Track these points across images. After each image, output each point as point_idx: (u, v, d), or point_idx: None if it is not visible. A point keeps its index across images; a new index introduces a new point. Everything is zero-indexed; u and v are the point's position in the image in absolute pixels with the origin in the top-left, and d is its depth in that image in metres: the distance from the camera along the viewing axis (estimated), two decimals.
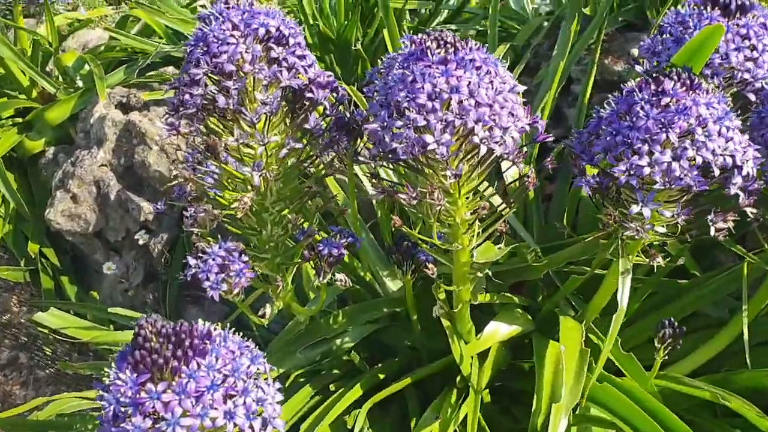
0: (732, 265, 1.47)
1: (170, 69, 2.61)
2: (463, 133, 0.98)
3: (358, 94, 1.95)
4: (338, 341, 1.49)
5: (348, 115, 1.14)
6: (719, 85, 1.28)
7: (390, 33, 2.17)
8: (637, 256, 1.16)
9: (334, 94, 1.13)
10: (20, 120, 2.65)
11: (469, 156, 1.00)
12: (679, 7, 1.36)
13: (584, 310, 1.38)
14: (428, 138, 0.96)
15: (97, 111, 2.36)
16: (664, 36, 1.35)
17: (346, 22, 2.49)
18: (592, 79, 1.89)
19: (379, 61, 2.17)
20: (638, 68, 1.33)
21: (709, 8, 1.31)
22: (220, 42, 1.01)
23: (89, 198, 2.25)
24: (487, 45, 1.09)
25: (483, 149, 0.96)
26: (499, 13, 2.81)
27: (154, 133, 2.22)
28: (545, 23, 2.30)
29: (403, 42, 1.41)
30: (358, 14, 2.44)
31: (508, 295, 1.37)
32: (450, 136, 0.96)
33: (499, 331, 1.35)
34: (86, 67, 2.66)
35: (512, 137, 0.98)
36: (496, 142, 0.97)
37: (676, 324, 1.26)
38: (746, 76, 1.26)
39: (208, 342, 0.94)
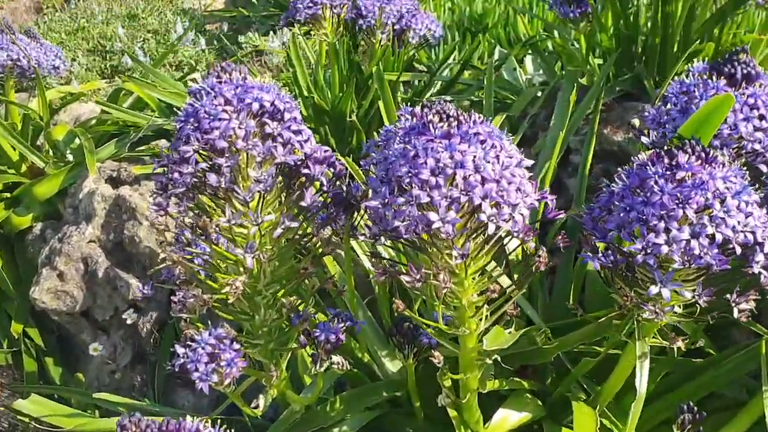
0: (748, 342, 1.40)
1: (162, 142, 2.57)
2: (468, 210, 0.92)
3: (354, 167, 1.91)
4: (336, 431, 1.40)
5: (345, 190, 1.09)
6: (729, 156, 1.24)
7: (385, 105, 2.15)
8: (653, 337, 1.10)
9: (331, 170, 1.08)
10: (8, 195, 2.59)
11: (475, 234, 0.94)
12: (683, 77, 1.33)
13: (597, 394, 1.30)
14: (432, 216, 0.90)
15: (87, 186, 2.31)
16: (669, 106, 1.32)
17: (340, 94, 2.47)
18: (592, 149, 1.85)
19: (375, 134, 2.14)
20: (644, 140, 1.29)
21: (714, 78, 1.28)
22: (211, 117, 0.96)
23: (76, 275, 2.17)
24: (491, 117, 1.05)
25: (491, 227, 0.90)
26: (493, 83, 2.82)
27: (145, 208, 2.17)
28: (540, 93, 2.29)
29: (402, 114, 1.38)
30: (352, 86, 2.43)
31: (517, 380, 1.29)
32: (455, 213, 0.91)
33: (508, 419, 1.27)
34: (77, 141, 2.63)
35: (521, 214, 0.92)
36: (505, 220, 0.91)
37: (695, 408, 1.19)
38: (756, 146, 1.22)
39: None
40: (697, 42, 1.99)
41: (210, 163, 0.95)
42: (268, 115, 0.99)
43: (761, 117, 1.24)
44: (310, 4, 2.37)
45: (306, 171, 1.01)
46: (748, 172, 1.23)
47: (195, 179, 0.95)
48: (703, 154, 0.97)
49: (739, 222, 0.94)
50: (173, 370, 1.02)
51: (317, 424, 1.37)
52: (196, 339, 1.02)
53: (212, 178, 0.94)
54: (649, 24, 2.02)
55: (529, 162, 0.98)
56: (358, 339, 1.60)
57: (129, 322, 2.01)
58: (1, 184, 2.59)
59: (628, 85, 2.08)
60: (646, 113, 1.35)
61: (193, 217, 0.97)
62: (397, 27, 2.60)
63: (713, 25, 1.93)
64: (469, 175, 0.91)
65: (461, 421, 1.20)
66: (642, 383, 1.07)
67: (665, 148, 0.99)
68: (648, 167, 0.99)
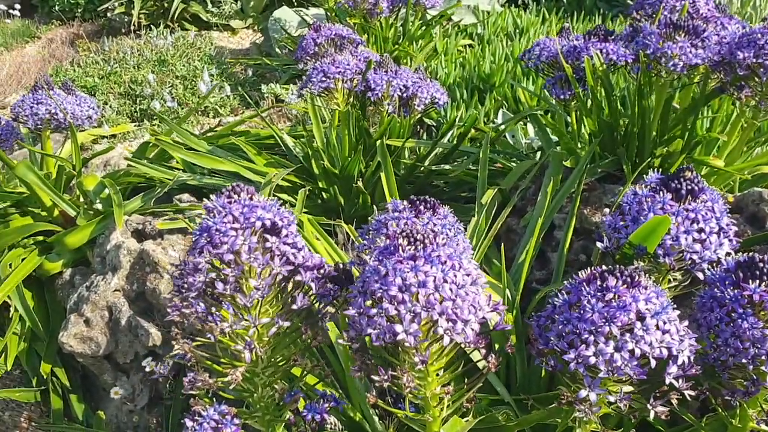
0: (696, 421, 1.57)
1: (185, 196, 2.80)
2: (428, 323, 1.12)
3: (354, 232, 2.12)
4: None
5: (332, 289, 1.28)
6: (670, 264, 1.42)
7: (386, 175, 2.36)
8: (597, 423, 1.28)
9: (322, 271, 1.27)
10: (42, 239, 2.83)
11: (435, 342, 1.14)
12: (636, 187, 1.52)
13: None
14: (398, 328, 1.09)
15: (114, 238, 2.53)
16: (624, 215, 1.50)
17: (349, 159, 2.68)
18: (572, 228, 2.04)
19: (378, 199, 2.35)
20: (599, 244, 1.48)
21: (662, 193, 1.46)
22: (221, 234, 1.16)
23: (101, 322, 2.38)
24: (457, 237, 1.25)
25: (446, 339, 1.10)
26: (495, 146, 3.02)
27: (166, 262, 2.38)
28: (533, 166, 2.47)
29: (390, 207, 1.59)
30: (360, 152, 2.63)
31: None
32: (417, 325, 1.10)
33: None
34: (106, 191, 2.85)
35: (472, 328, 1.11)
36: (458, 333, 1.10)
37: None
38: (694, 257, 1.40)
39: None
40: (673, 129, 2.18)
41: (218, 273, 1.16)
42: (268, 230, 1.19)
43: (700, 230, 1.42)
44: (324, 78, 2.59)
45: (298, 278, 1.21)
46: (687, 279, 1.43)
47: (205, 285, 1.16)
48: (629, 279, 1.16)
49: (656, 339, 1.12)
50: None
51: None
52: (202, 414, 1.22)
53: (220, 285, 1.15)
54: (628, 112, 2.20)
55: (484, 280, 1.17)
56: (351, 397, 1.78)
57: (147, 369, 2.22)
58: (36, 230, 2.82)
59: (610, 166, 2.27)
60: (605, 218, 1.54)
61: (199, 322, 1.17)
62: (404, 95, 2.81)
63: (686, 116, 2.12)
64: (430, 294, 1.10)
65: None
66: None
67: (599, 271, 1.18)
68: (584, 287, 1.18)
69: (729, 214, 1.79)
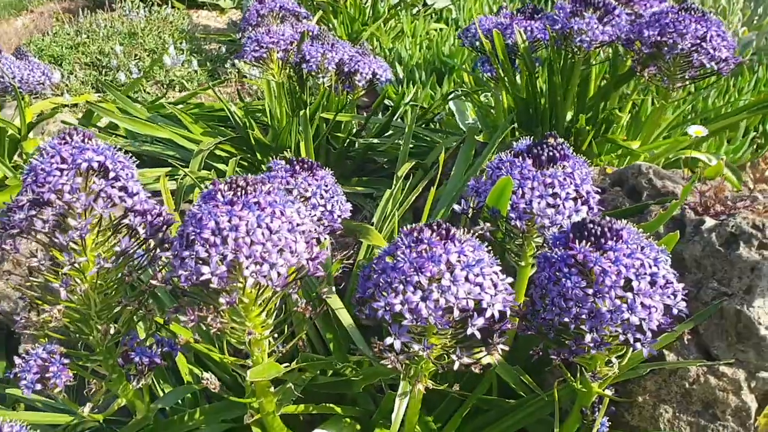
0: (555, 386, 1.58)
1: None
2: (239, 267, 1.13)
3: None
4: None
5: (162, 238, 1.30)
6: (521, 227, 1.43)
7: (305, 146, 2.37)
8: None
9: (160, 218, 1.28)
10: None
11: (245, 286, 1.15)
12: (501, 153, 1.52)
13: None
14: (204, 269, 1.11)
15: None
16: (487, 178, 1.51)
17: (282, 129, 2.69)
18: None
19: None
20: (456, 207, 1.49)
21: (522, 158, 1.47)
22: (46, 173, 1.18)
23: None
24: None
25: (250, 281, 1.11)
26: (439, 126, 3.03)
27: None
28: (454, 143, 2.48)
29: (272, 165, 1.60)
30: (293, 123, 2.64)
31: (330, 405, 1.49)
32: (225, 268, 1.11)
33: None
34: None
35: (278, 273, 1.12)
36: (264, 276, 1.11)
37: None
38: (545, 221, 1.41)
39: None
40: (591, 109, 2.18)
41: (38, 210, 1.17)
42: (97, 173, 1.21)
43: (554, 195, 1.43)
44: (257, 48, 2.60)
45: (125, 221, 1.23)
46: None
47: (27, 223, 1.17)
48: (443, 232, 1.16)
49: (464, 290, 1.13)
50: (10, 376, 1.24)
51: (171, 431, 1.58)
52: (29, 352, 1.24)
53: (38, 223, 1.17)
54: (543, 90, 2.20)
55: (307, 227, 1.18)
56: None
57: None
58: None
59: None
60: (469, 182, 1.54)
61: (11, 258, 1.19)
62: (346, 69, 2.81)
63: (600, 96, 2.11)
64: (240, 238, 1.11)
65: None
66: (398, 415, 1.26)
67: (416, 225, 1.18)
68: (402, 238, 1.18)
69: (612, 188, 1.80)
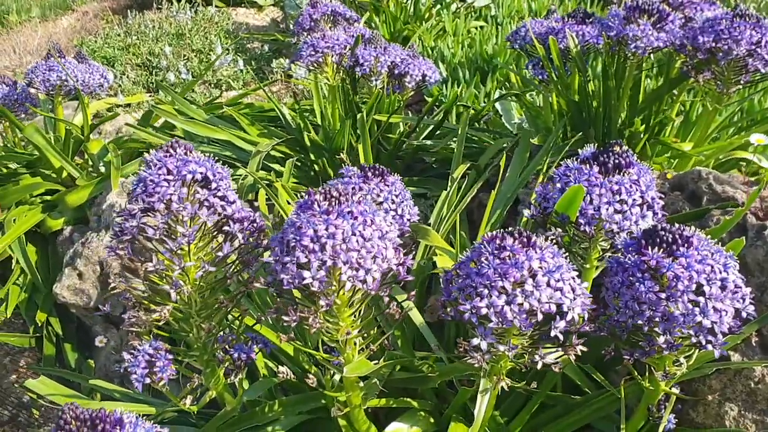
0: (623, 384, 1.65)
1: None
2: (338, 271, 1.22)
3: None
4: (269, 429, 1.70)
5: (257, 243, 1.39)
6: (590, 233, 1.50)
7: (363, 148, 2.45)
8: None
9: (254, 225, 1.38)
10: (48, 198, 2.99)
11: (342, 289, 1.24)
12: (568, 161, 1.59)
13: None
14: (306, 273, 1.20)
15: (109, 198, 2.68)
16: (554, 185, 1.58)
17: (337, 131, 2.78)
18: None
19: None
20: (526, 212, 1.56)
21: (589, 165, 1.54)
22: (154, 184, 1.28)
23: (93, 276, 2.53)
24: None
25: (348, 285, 1.20)
26: (487, 126, 3.10)
27: (153, 222, 2.51)
28: (506, 145, 2.54)
29: (344, 172, 1.69)
30: (347, 125, 2.72)
31: (407, 399, 1.58)
32: (325, 273, 1.20)
33: (400, 431, 1.55)
34: (109, 154, 3.00)
35: (373, 277, 1.21)
36: (361, 280, 1.20)
37: None
38: (614, 227, 1.48)
39: (119, 427, 1.18)
40: (643, 112, 2.24)
41: (152, 218, 1.27)
42: (200, 183, 1.30)
43: (622, 202, 1.50)
44: (313, 52, 2.69)
45: (226, 228, 1.32)
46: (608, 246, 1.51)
47: (138, 231, 1.27)
48: (525, 239, 1.24)
49: (546, 295, 1.21)
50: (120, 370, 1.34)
51: (253, 421, 1.68)
52: (138, 348, 1.34)
53: (150, 231, 1.26)
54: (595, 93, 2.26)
55: (395, 234, 1.27)
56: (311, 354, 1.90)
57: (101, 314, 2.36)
58: (43, 189, 2.99)
59: (578, 146, 2.32)
60: (538, 189, 1.62)
61: (126, 260, 1.29)
62: (396, 72, 2.89)
63: (653, 100, 2.17)
64: (337, 245, 1.20)
65: (351, 429, 1.49)
66: (480, 411, 1.34)
67: (497, 233, 1.26)
68: (485, 245, 1.26)
69: (672, 192, 1.87)
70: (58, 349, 2.64)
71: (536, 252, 1.23)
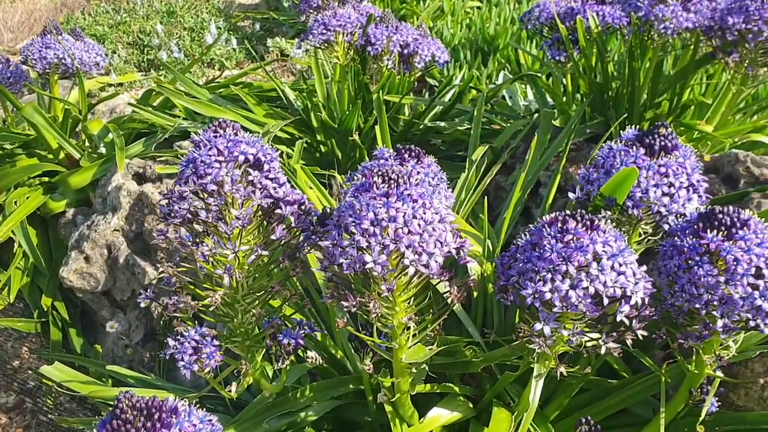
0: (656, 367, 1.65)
1: (185, 143, 2.86)
2: (397, 256, 1.19)
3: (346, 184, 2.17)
4: (303, 414, 1.67)
5: (311, 223, 1.35)
6: (638, 215, 1.48)
7: (381, 128, 2.41)
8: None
9: (303, 207, 1.34)
10: (47, 180, 2.91)
11: (402, 273, 1.20)
12: (611, 142, 1.57)
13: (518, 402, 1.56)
14: (367, 257, 1.16)
15: (115, 180, 2.61)
16: (598, 167, 1.56)
17: (347, 112, 2.73)
18: (556, 185, 2.09)
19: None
20: (571, 195, 1.54)
21: (635, 148, 1.52)
22: (205, 165, 1.23)
23: (100, 259, 2.47)
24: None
25: (411, 270, 1.17)
26: (494, 108, 3.07)
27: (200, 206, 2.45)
28: (522, 127, 2.52)
29: (377, 155, 1.65)
30: (358, 106, 2.68)
31: (450, 385, 1.56)
32: (386, 257, 1.17)
33: (440, 416, 1.53)
34: (110, 135, 2.92)
35: (436, 261, 1.18)
36: (423, 265, 1.17)
37: (593, 422, 1.44)
38: (662, 210, 1.46)
39: (174, 416, 1.14)
40: (664, 93, 2.22)
41: (203, 201, 1.22)
42: (251, 165, 1.26)
43: (670, 184, 1.48)
44: (324, 31, 2.63)
45: (279, 211, 1.28)
46: (659, 233, 1.49)
47: (189, 213, 1.23)
48: (588, 223, 1.22)
49: (611, 279, 1.19)
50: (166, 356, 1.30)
51: (287, 407, 1.65)
52: (184, 334, 1.30)
53: (203, 213, 1.22)
54: (617, 74, 2.24)
55: (453, 217, 1.24)
56: (335, 338, 1.87)
57: (142, 305, 2.30)
58: (42, 171, 2.91)
59: (599, 127, 2.31)
60: (579, 171, 1.59)
61: (182, 247, 1.25)
62: (405, 52, 2.85)
63: (676, 81, 2.16)
64: (399, 228, 1.17)
65: (396, 415, 1.46)
66: (535, 398, 1.32)
67: (560, 215, 1.24)
68: (545, 228, 1.24)
69: (707, 174, 1.86)
70: (64, 334, 2.57)
71: (600, 235, 1.21)
